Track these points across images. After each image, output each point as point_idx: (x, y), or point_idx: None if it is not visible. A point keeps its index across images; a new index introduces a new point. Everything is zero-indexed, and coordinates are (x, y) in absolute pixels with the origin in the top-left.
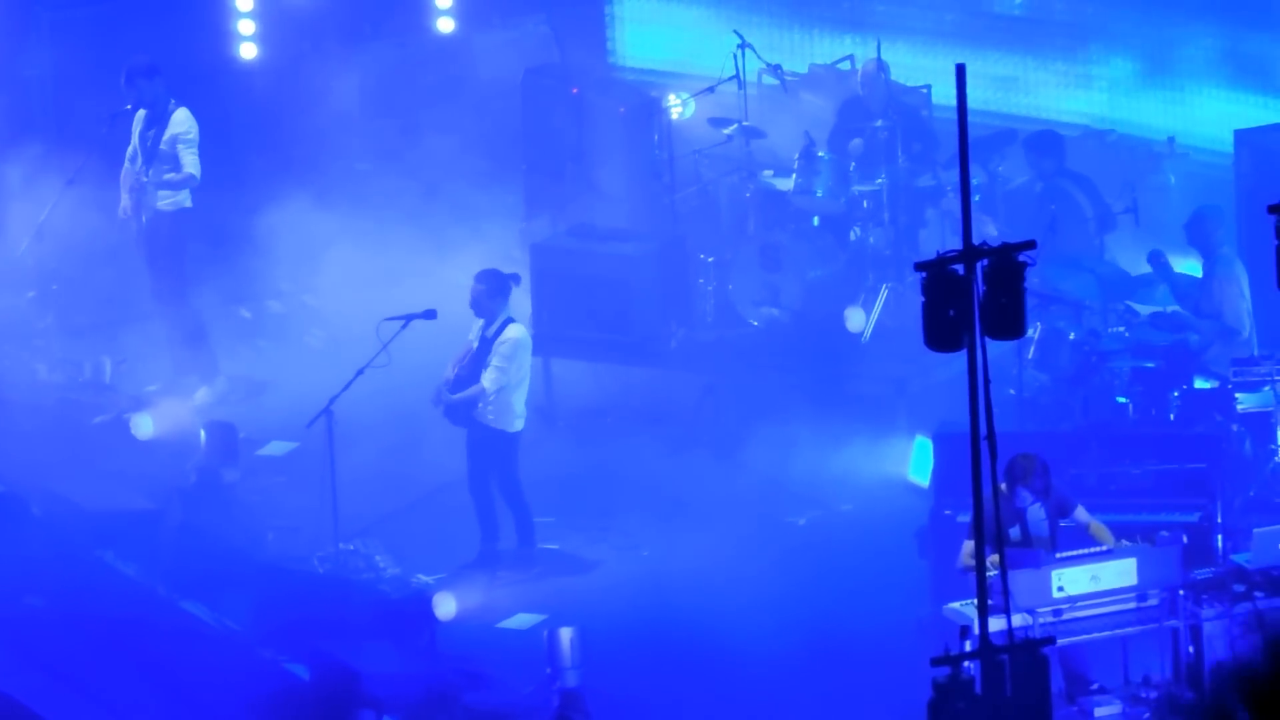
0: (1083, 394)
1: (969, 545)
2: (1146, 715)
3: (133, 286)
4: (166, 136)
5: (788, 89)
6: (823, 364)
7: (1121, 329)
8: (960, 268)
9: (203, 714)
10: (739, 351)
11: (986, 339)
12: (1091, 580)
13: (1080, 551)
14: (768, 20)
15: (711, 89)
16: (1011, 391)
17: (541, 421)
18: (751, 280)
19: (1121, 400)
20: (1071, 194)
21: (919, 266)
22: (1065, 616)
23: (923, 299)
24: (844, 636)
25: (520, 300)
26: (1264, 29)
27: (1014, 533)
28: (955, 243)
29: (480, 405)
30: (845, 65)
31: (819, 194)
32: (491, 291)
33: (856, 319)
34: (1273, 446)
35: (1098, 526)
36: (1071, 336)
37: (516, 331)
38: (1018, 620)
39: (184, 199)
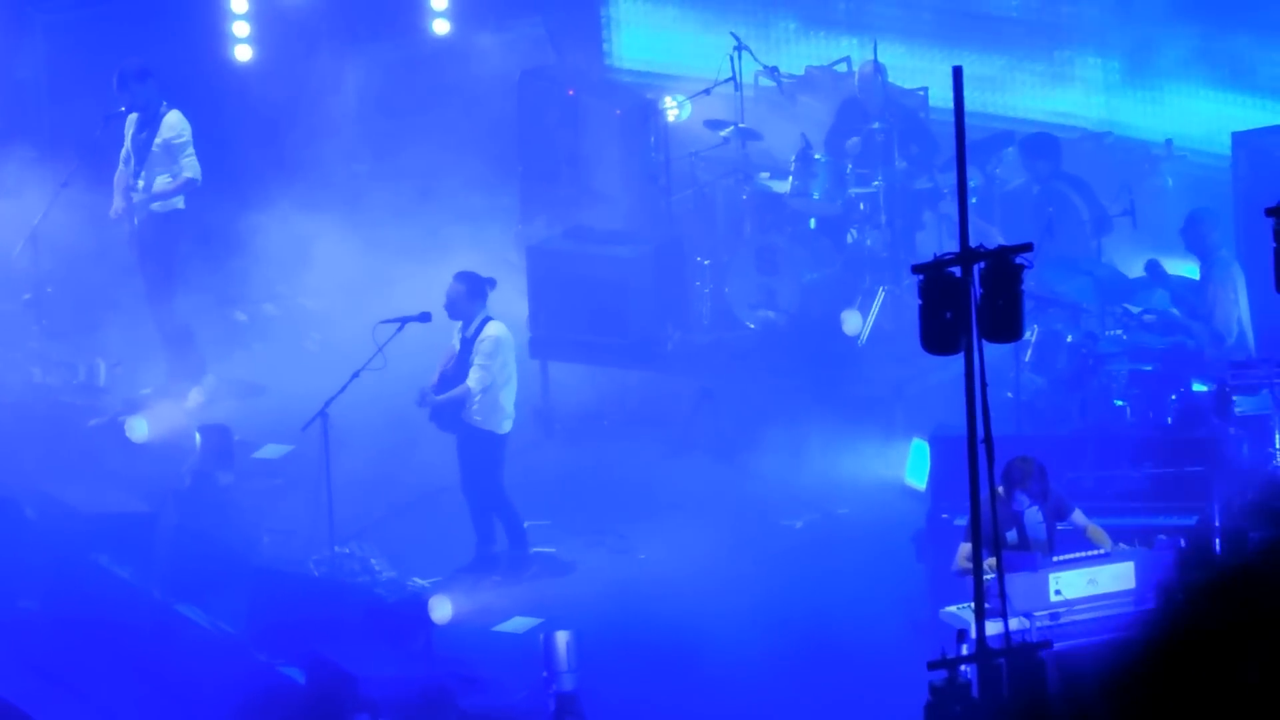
0: (1080, 397)
1: (966, 548)
2: None
3: (126, 289)
4: (158, 140)
5: (784, 91)
6: (819, 367)
7: (1119, 332)
8: (957, 270)
9: (197, 717)
10: (735, 354)
11: (984, 342)
12: (1089, 584)
13: (1077, 555)
14: (764, 22)
15: (708, 91)
16: (1009, 394)
17: (537, 424)
18: (748, 283)
19: (1119, 403)
20: (1068, 196)
21: (916, 269)
22: (1063, 620)
23: (920, 302)
24: (840, 640)
25: (516, 302)
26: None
27: (1011, 536)
28: (952, 245)
29: (468, 406)
30: (842, 67)
31: (816, 196)
32: (471, 293)
33: (853, 322)
34: (1271, 450)
35: (1095, 530)
36: (1069, 339)
37: (496, 329)
38: (1015, 624)
39: (177, 201)
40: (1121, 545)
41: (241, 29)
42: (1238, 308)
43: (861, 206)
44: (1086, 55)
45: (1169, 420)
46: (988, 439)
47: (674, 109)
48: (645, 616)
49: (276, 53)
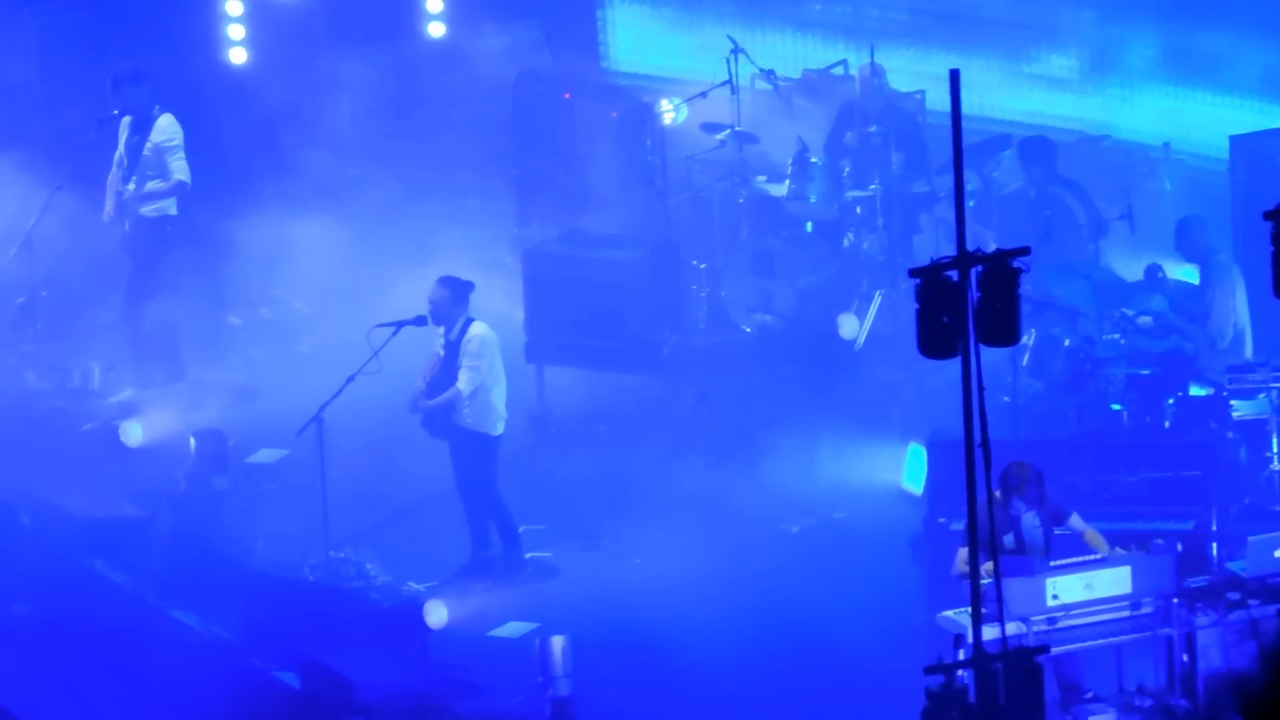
0: (1077, 401)
1: (963, 553)
2: None
3: (120, 293)
4: (150, 144)
5: (781, 94)
6: (816, 371)
7: (1116, 336)
8: (954, 274)
9: None
10: (732, 358)
11: (981, 346)
12: (1086, 588)
13: (1074, 559)
14: (760, 25)
15: (704, 94)
16: (1006, 399)
17: (533, 428)
18: (744, 286)
19: (1116, 407)
20: (1065, 200)
21: (913, 273)
22: (1059, 624)
23: (916, 305)
24: (837, 644)
25: (512, 307)
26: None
27: (1008, 540)
28: (949, 249)
29: (459, 409)
30: (838, 70)
31: (812, 200)
32: (455, 297)
33: (850, 325)
34: (1268, 454)
35: (1092, 534)
36: (1066, 343)
37: (481, 329)
38: (1012, 628)
39: (168, 206)
40: (1119, 549)
41: (236, 32)
42: (1235, 312)
43: (858, 210)
44: (1085, 58)
45: (1166, 424)
46: (985, 443)
47: (670, 112)
48: (641, 621)
49: (271, 56)
